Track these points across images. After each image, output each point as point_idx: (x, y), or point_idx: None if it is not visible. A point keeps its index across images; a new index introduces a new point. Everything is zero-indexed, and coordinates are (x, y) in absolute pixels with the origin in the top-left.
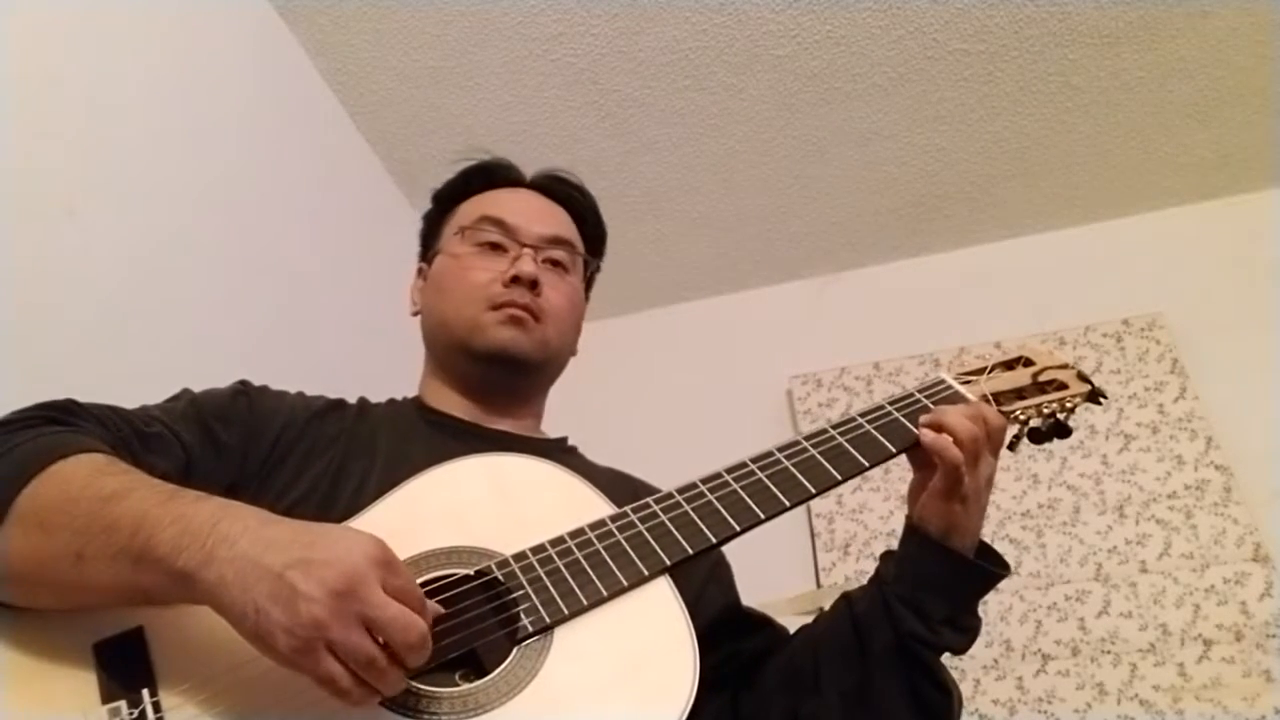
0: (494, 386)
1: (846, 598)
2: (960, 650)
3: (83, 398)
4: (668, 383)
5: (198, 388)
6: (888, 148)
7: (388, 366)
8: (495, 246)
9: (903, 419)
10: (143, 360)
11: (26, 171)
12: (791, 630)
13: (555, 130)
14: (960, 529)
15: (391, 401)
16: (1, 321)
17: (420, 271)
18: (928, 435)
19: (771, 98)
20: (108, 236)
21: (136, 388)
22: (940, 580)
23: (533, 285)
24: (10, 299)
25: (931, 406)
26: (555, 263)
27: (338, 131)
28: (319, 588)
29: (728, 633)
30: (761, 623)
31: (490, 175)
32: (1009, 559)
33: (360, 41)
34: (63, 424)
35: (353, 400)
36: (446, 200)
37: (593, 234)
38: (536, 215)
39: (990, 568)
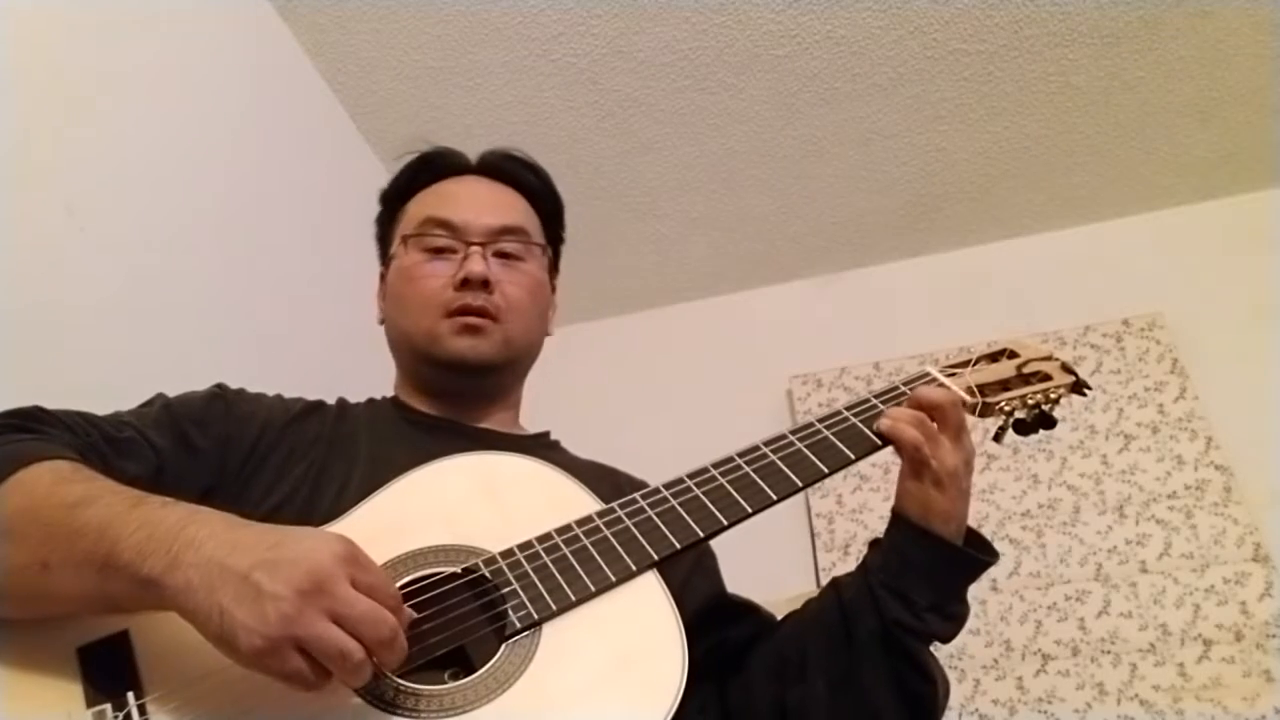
0: (463, 391)
1: (835, 584)
2: (946, 638)
3: (81, 397)
4: (668, 383)
5: (195, 386)
6: (888, 148)
7: (385, 367)
8: (445, 249)
9: (885, 410)
10: (142, 359)
11: (26, 170)
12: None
13: (555, 130)
14: (940, 513)
15: (371, 401)
16: (0, 320)
17: (381, 277)
18: (884, 422)
19: (771, 98)
20: (106, 236)
21: (136, 387)
22: (924, 566)
23: (484, 284)
24: (10, 298)
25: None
26: (507, 255)
27: (338, 131)
28: (285, 587)
29: (714, 621)
30: (747, 609)
31: (435, 167)
32: (1009, 559)
33: (360, 41)
34: (28, 431)
35: (331, 401)
36: (393, 201)
37: (549, 210)
38: (483, 206)
39: (974, 554)
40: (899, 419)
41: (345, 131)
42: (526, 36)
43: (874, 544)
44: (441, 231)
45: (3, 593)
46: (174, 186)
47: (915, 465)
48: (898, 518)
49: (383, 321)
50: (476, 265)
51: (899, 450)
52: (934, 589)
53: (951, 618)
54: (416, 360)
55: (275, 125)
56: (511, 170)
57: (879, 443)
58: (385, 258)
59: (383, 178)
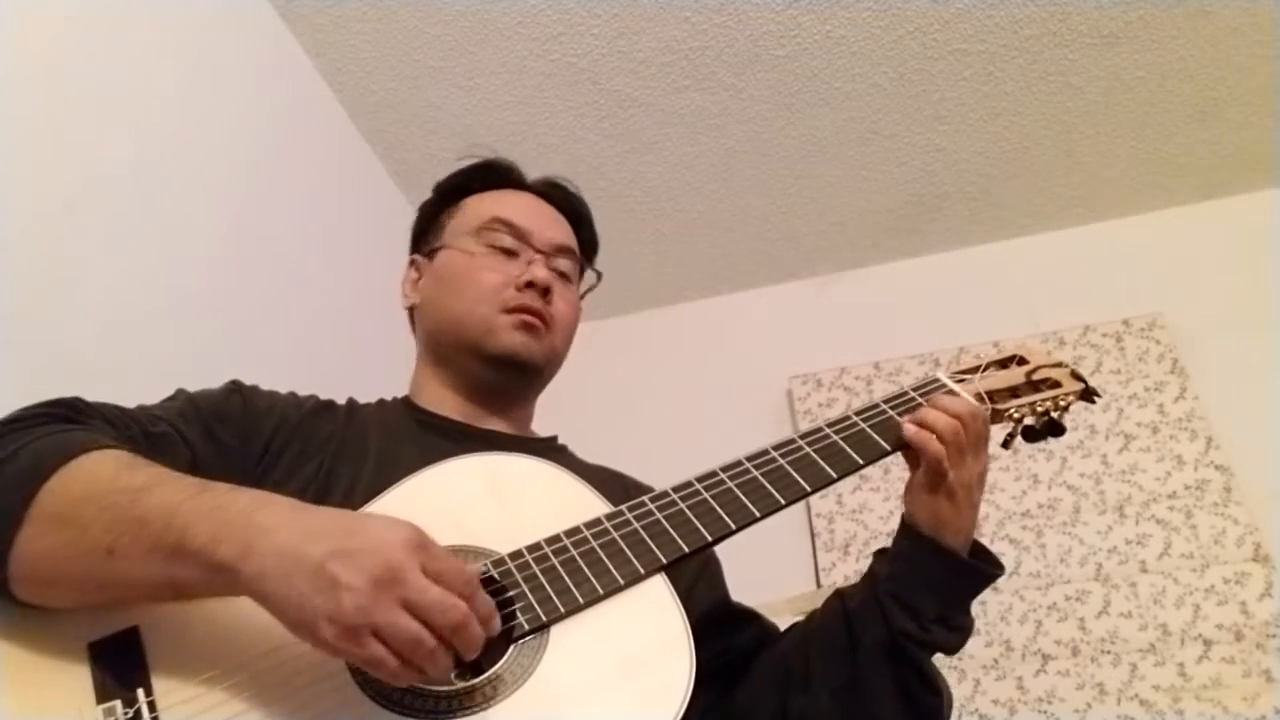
0: (495, 388)
1: (840, 594)
2: (952, 650)
3: (81, 395)
4: (668, 382)
5: (196, 386)
6: (888, 148)
7: (386, 366)
8: (508, 250)
9: (897, 417)
10: (141, 358)
11: (25, 168)
12: (784, 629)
13: (555, 130)
14: (951, 526)
15: (381, 402)
16: (1, 320)
17: (414, 264)
18: (909, 430)
19: (771, 98)
20: (106, 234)
21: (135, 386)
22: (932, 578)
23: (545, 292)
24: (9, 296)
25: (925, 404)
26: (561, 273)
27: (338, 131)
28: (360, 576)
29: (718, 628)
30: (750, 618)
31: (493, 175)
32: (1009, 559)
33: (360, 41)
34: (74, 422)
35: (341, 401)
36: (448, 195)
37: (587, 242)
38: (546, 222)
39: (983, 566)
40: (931, 424)
41: (345, 131)
42: (526, 36)
43: (880, 553)
44: (508, 233)
45: (62, 579)
46: (173, 186)
47: (934, 477)
48: (907, 528)
49: (410, 306)
50: (542, 272)
51: (921, 459)
52: (942, 600)
53: (957, 629)
54: (460, 349)
55: (275, 125)
56: (563, 199)
57: (888, 449)
58: (423, 245)
59: (383, 177)
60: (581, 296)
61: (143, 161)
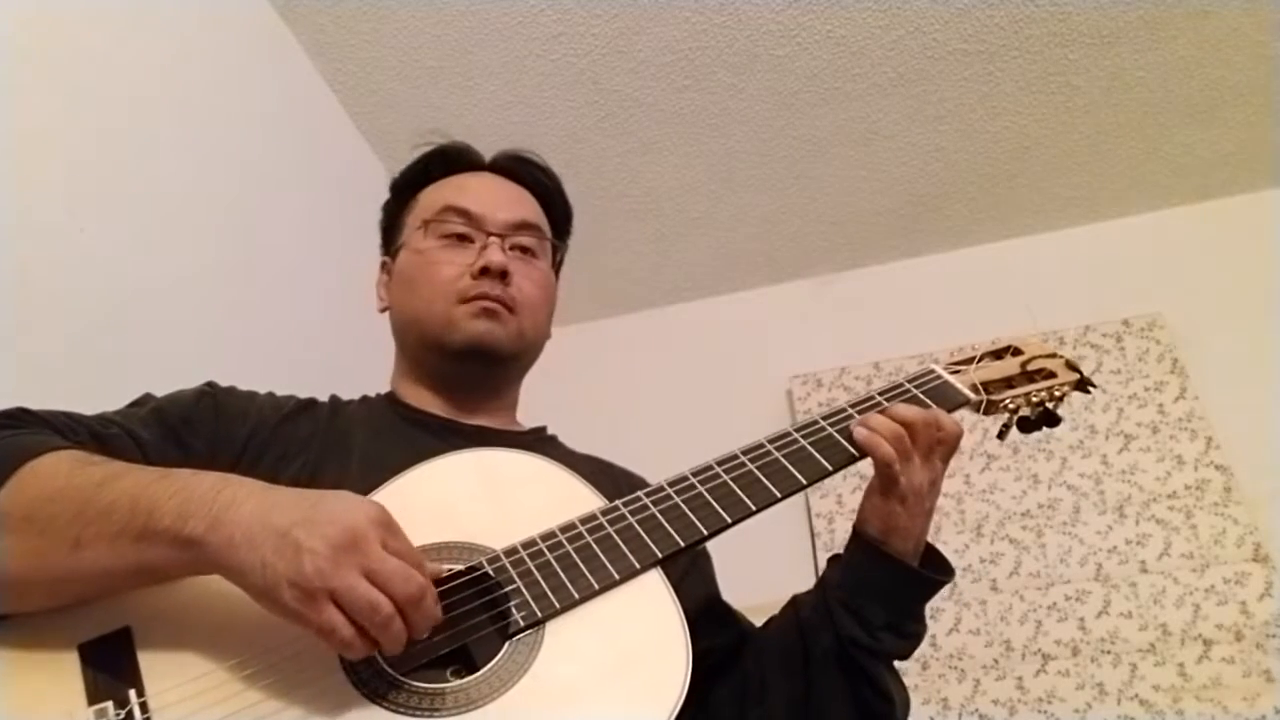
0: (469, 382)
1: (794, 602)
2: (903, 656)
3: (80, 397)
4: (668, 382)
5: (194, 386)
6: (888, 147)
7: (386, 366)
8: (461, 238)
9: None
10: (140, 359)
11: (26, 171)
12: None
13: (555, 130)
14: (900, 531)
15: (365, 399)
16: (0, 320)
17: (384, 266)
18: (859, 433)
19: (771, 98)
20: (107, 236)
21: (134, 387)
22: (880, 586)
23: (503, 275)
24: (9, 298)
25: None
26: (524, 249)
27: (338, 131)
28: (322, 542)
29: (707, 624)
30: (734, 618)
31: (450, 160)
32: (1009, 559)
33: (360, 41)
34: (19, 430)
35: (324, 399)
36: (406, 189)
37: (559, 215)
38: (501, 201)
39: (929, 574)
40: (878, 429)
41: (345, 131)
42: (526, 36)
43: (833, 560)
44: (460, 220)
45: (30, 581)
46: (174, 186)
47: (885, 481)
48: (857, 534)
49: (384, 309)
50: (496, 255)
51: (873, 462)
52: (889, 608)
53: (908, 636)
54: (424, 347)
55: (275, 125)
56: (526, 172)
57: None
58: (390, 247)
59: (383, 177)
60: (556, 268)
61: (143, 163)
